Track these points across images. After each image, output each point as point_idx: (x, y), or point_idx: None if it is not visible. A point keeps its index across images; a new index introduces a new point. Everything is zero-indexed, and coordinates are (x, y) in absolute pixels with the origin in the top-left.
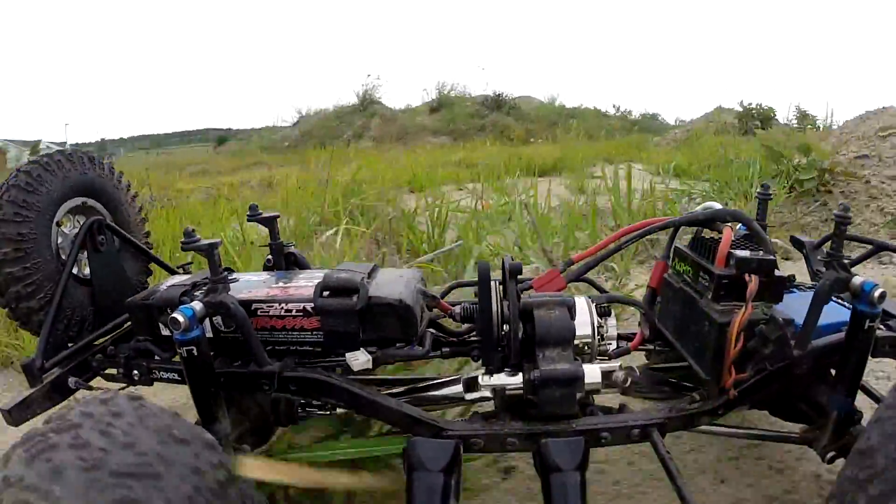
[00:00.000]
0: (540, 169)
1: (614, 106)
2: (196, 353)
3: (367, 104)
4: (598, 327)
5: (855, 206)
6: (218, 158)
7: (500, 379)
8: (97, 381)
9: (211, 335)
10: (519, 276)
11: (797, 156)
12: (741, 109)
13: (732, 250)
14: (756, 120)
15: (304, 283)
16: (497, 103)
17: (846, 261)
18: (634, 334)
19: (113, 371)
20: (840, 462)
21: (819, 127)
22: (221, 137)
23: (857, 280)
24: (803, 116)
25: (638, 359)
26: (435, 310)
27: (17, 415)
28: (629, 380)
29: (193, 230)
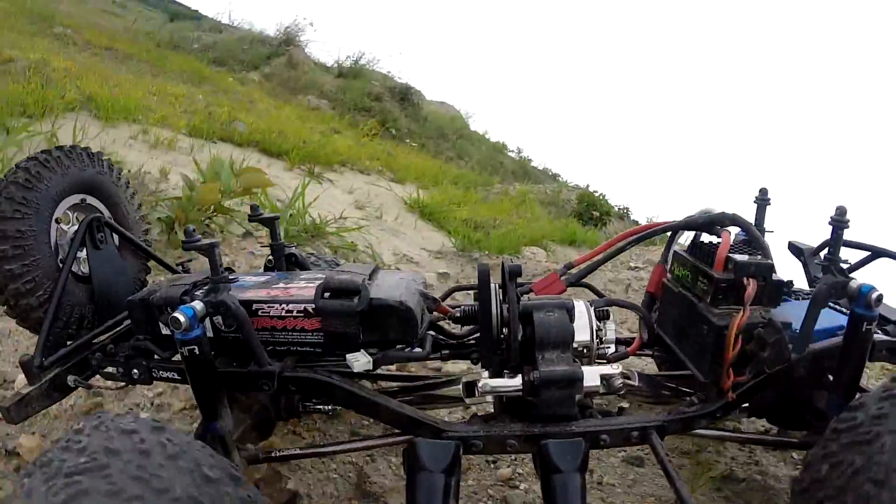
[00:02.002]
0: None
1: (518, 148)
2: (197, 353)
3: (284, 43)
4: (597, 331)
5: None
6: (113, 31)
7: (499, 383)
8: (96, 380)
9: (211, 334)
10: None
11: None
12: (582, 192)
13: (731, 254)
14: (595, 210)
15: (305, 284)
16: (402, 94)
17: (844, 266)
18: (633, 338)
19: (112, 370)
20: None
21: None
22: (176, 13)
23: (854, 283)
24: None
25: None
26: (435, 312)
27: (15, 413)
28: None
29: (194, 229)
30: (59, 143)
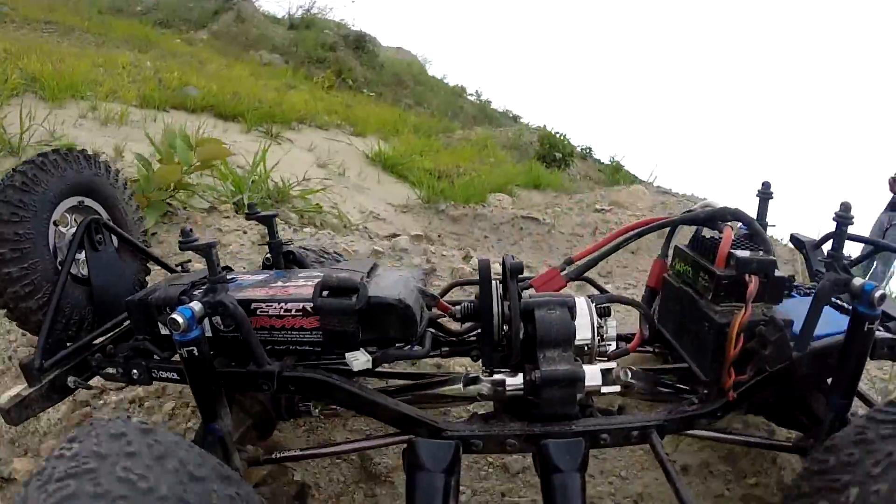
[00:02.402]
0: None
1: (477, 91)
2: (196, 354)
3: None
4: (598, 328)
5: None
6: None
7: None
8: (96, 381)
9: (210, 334)
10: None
11: None
12: (543, 133)
13: (733, 250)
14: (557, 151)
15: (304, 283)
16: (357, 42)
17: (846, 261)
18: (634, 334)
19: (112, 371)
20: None
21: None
22: None
23: (857, 281)
24: (616, 168)
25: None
26: (435, 309)
27: (16, 415)
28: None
29: (191, 230)
30: (6, 132)
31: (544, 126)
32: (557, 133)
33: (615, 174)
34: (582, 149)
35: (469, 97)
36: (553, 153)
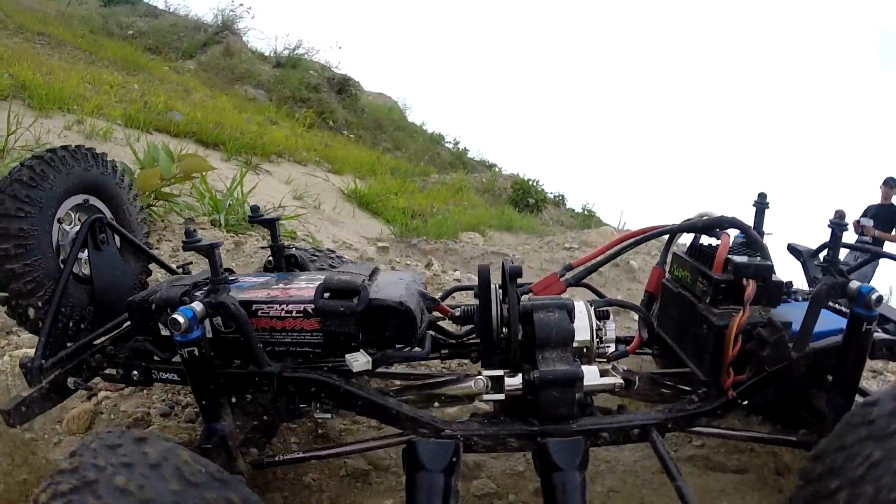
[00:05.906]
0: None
1: (455, 140)
2: (197, 354)
3: (221, 30)
4: (596, 330)
5: None
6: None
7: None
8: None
9: (210, 335)
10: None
11: None
12: (516, 179)
13: (730, 256)
14: (530, 197)
15: (305, 285)
16: (340, 86)
17: (843, 267)
18: (633, 337)
19: (112, 371)
20: None
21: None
22: None
23: (854, 283)
24: (588, 216)
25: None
26: (435, 312)
27: (16, 416)
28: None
29: (194, 230)
30: None
31: (516, 173)
32: (530, 180)
33: (587, 220)
34: (555, 195)
35: (447, 144)
36: (526, 198)
